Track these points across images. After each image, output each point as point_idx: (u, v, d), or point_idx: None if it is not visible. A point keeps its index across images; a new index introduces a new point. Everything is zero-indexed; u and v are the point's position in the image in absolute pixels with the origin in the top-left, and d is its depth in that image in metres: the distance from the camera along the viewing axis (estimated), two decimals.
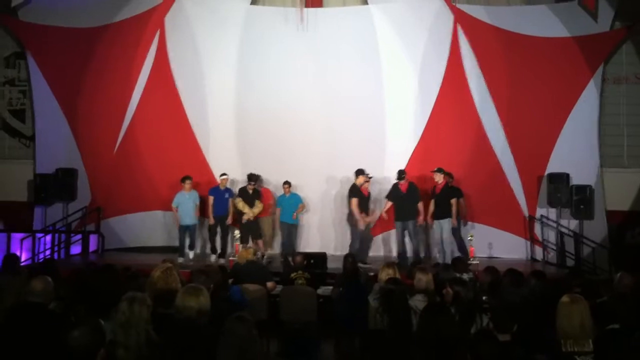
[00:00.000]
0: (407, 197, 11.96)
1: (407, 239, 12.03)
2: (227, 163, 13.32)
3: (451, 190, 12.00)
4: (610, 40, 13.37)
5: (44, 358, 4.26)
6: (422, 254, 12.24)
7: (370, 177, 12.42)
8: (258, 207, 12.49)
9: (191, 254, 12.38)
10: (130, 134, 13.81)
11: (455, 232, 11.96)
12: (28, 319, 4.72)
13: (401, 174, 12.19)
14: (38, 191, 13.56)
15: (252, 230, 12.50)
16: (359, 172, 12.23)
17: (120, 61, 13.76)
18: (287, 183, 12.76)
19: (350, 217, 12.53)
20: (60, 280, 5.69)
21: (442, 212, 11.79)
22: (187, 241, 12.39)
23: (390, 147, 13.62)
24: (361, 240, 12.23)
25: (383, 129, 13.67)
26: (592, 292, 6.07)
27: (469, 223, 12.90)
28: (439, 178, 11.85)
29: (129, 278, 5.91)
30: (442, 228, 11.76)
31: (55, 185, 13.54)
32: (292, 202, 12.70)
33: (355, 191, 12.22)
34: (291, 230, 12.73)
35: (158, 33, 13.83)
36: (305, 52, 13.76)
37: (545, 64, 13.23)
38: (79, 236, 13.42)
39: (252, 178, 12.56)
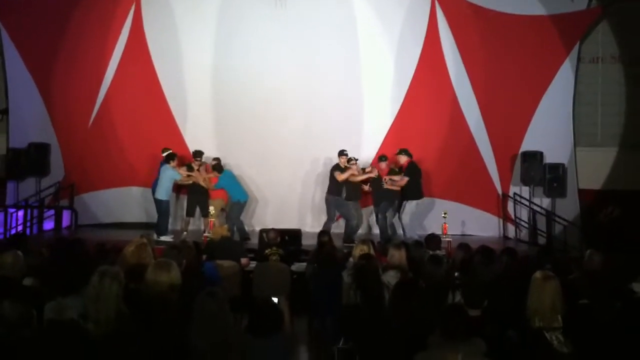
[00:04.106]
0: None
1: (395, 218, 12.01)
2: (203, 138, 13.25)
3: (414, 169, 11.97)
4: (585, 19, 13.34)
5: None
6: (389, 232, 12.12)
7: (355, 160, 12.22)
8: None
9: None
10: (105, 108, 13.61)
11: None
12: None
13: (381, 158, 12.19)
14: (10, 166, 13.38)
15: (200, 203, 12.50)
16: (342, 153, 12.19)
17: (95, 34, 13.50)
18: (216, 159, 12.68)
19: (335, 199, 12.15)
20: (29, 255, 5.64)
21: (408, 192, 11.78)
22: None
23: (367, 125, 13.58)
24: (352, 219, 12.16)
25: (361, 106, 13.59)
26: (563, 270, 6.17)
27: (443, 200, 12.88)
28: (403, 160, 11.89)
29: (100, 253, 5.87)
30: (404, 208, 11.82)
31: (28, 160, 13.35)
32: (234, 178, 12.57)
33: (339, 169, 12.07)
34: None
35: (134, 5, 13.61)
36: (283, 31, 13.55)
37: (521, 42, 13.18)
38: (52, 212, 13.27)
39: (197, 154, 12.58)
